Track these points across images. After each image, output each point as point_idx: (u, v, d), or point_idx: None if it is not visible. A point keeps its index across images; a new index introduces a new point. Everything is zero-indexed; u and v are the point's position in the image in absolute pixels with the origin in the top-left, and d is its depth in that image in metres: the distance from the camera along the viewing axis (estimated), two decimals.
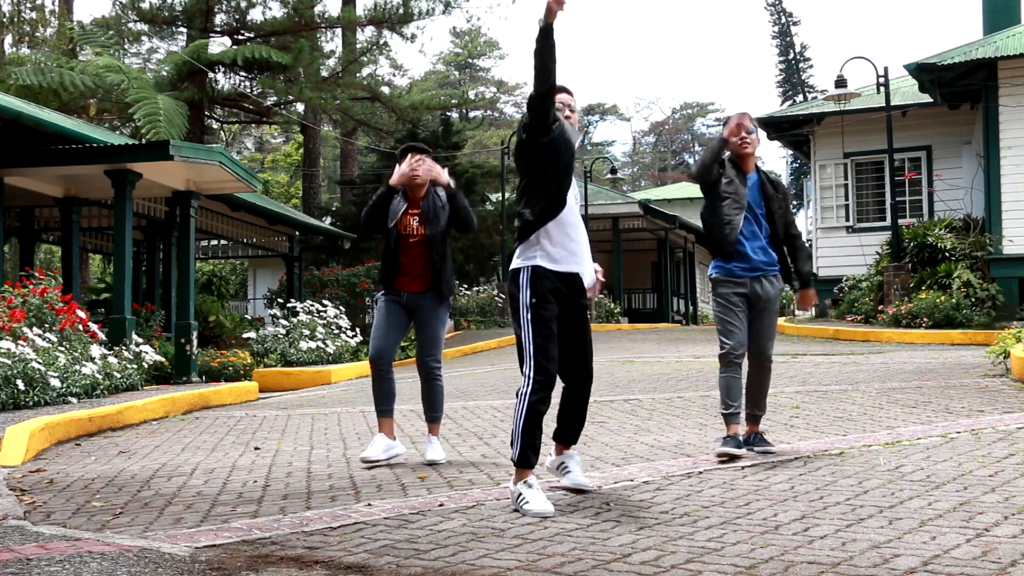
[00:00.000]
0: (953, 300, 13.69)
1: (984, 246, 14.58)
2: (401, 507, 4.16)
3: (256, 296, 29.87)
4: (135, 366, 10.61)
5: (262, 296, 26.35)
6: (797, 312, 28.79)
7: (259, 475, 5.20)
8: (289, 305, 16.14)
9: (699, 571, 2.98)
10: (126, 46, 30.21)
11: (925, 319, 13.72)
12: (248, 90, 26.70)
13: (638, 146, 76.75)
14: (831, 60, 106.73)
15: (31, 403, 8.21)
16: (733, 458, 5.03)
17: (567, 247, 4.29)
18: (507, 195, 23.10)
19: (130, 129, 24.46)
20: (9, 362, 8.17)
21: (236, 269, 33.26)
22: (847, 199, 18.81)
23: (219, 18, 26.78)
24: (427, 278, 5.67)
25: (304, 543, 3.54)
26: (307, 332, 14.56)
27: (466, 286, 25.07)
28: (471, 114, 50.92)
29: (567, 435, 4.47)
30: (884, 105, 15.89)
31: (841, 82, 15.97)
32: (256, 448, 6.34)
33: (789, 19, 61.36)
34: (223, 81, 26.35)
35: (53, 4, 26.89)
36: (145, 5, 25.53)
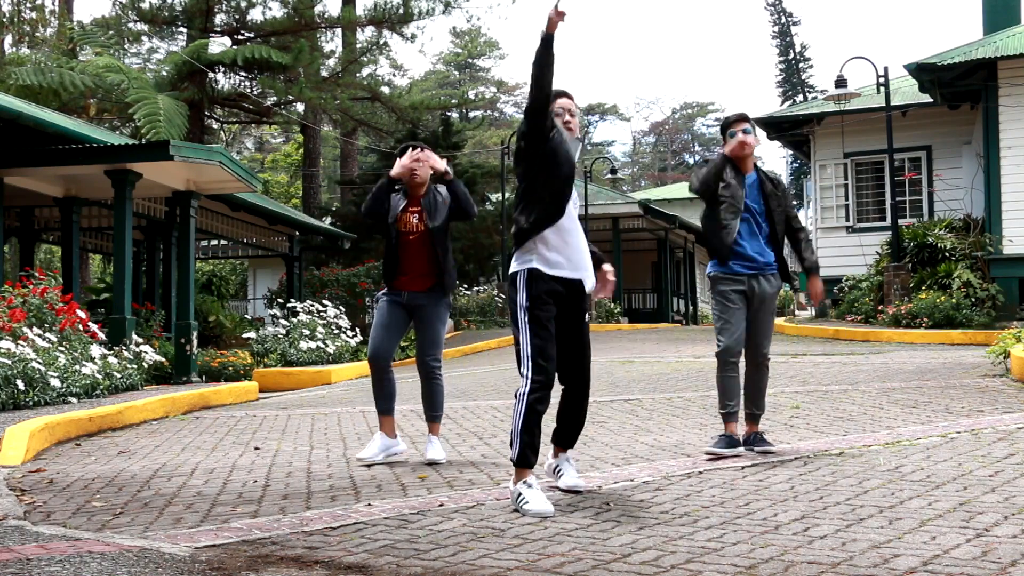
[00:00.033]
0: (953, 300, 13.69)
1: (984, 246, 14.58)
2: (401, 507, 4.16)
3: (256, 296, 29.88)
4: (135, 366, 10.61)
5: (262, 296, 26.36)
6: (798, 313, 28.82)
7: (259, 475, 5.20)
8: (289, 305, 16.14)
9: (699, 571, 2.98)
10: (126, 46, 30.21)
11: (925, 319, 13.72)
12: (248, 90, 26.71)
13: (638, 146, 76.77)
14: (831, 60, 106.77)
15: (31, 403, 8.21)
16: (720, 457, 5.07)
17: (564, 253, 4.29)
18: (507, 195, 23.09)
19: (130, 129, 24.46)
20: (9, 362, 8.17)
21: (236, 269, 33.26)
22: (847, 199, 18.82)
23: (219, 18, 26.78)
24: (428, 276, 5.67)
25: (304, 543, 3.54)
26: (307, 332, 14.56)
27: (466, 286, 25.07)
28: (471, 114, 50.92)
29: (565, 438, 4.49)
30: (884, 105, 15.89)
31: (841, 82, 15.98)
32: (256, 448, 6.34)
33: (789, 19, 61.39)
34: (223, 81, 26.37)
35: (53, 4, 26.90)
36: (145, 5, 25.53)
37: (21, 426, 6.60)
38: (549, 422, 4.52)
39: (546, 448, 4.63)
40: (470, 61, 67.17)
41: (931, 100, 16.80)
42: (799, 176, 49.33)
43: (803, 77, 60.36)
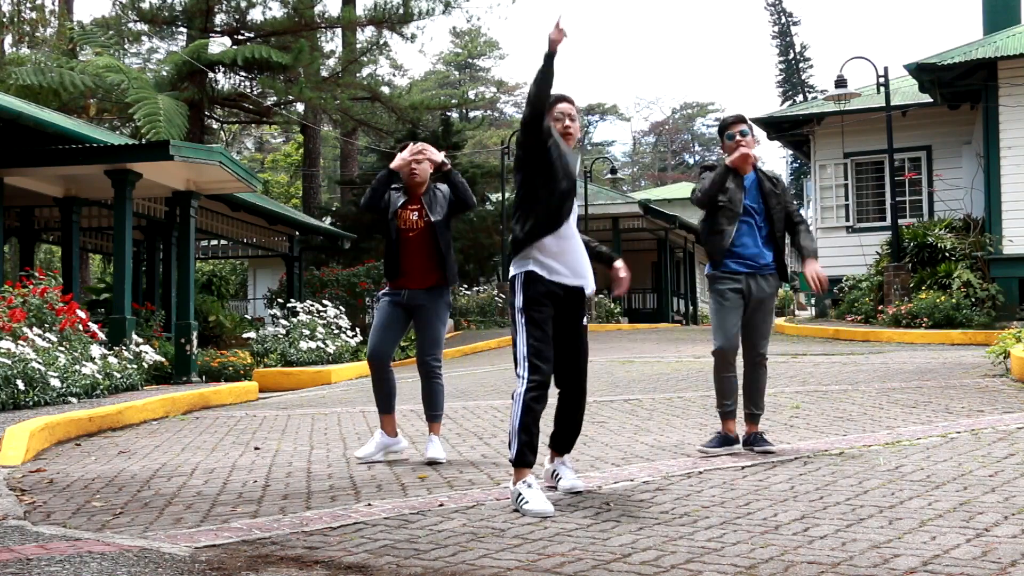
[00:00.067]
0: (953, 300, 13.69)
1: (984, 246, 14.58)
2: (401, 507, 4.16)
3: (256, 296, 29.88)
4: (135, 366, 10.61)
5: (262, 296, 26.36)
6: (798, 313, 28.82)
7: (259, 475, 5.20)
8: (289, 305, 16.13)
9: (699, 571, 2.98)
10: (126, 46, 30.21)
11: (925, 319, 13.72)
12: (248, 90, 26.70)
13: (638, 146, 76.78)
14: (831, 60, 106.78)
15: (31, 403, 8.21)
16: (709, 456, 5.18)
17: (562, 260, 4.31)
18: (507, 195, 23.09)
19: (130, 129, 24.46)
20: (9, 362, 8.17)
21: (236, 269, 33.26)
22: (847, 199, 18.82)
23: (219, 18, 26.78)
24: (428, 274, 5.68)
25: (304, 543, 3.54)
26: (307, 332, 14.56)
27: (466, 286, 25.07)
28: (471, 114, 50.93)
29: (561, 443, 4.50)
30: (884, 105, 15.89)
31: (841, 82, 15.98)
32: (256, 448, 6.34)
33: (789, 19, 61.41)
34: (223, 81, 26.37)
35: (53, 4, 26.90)
36: (145, 5, 25.53)
37: (21, 426, 6.60)
38: (547, 426, 4.54)
39: (544, 453, 4.63)
40: (470, 61, 67.16)
41: (931, 100, 16.80)
42: (799, 176, 49.33)
43: (803, 77, 60.38)
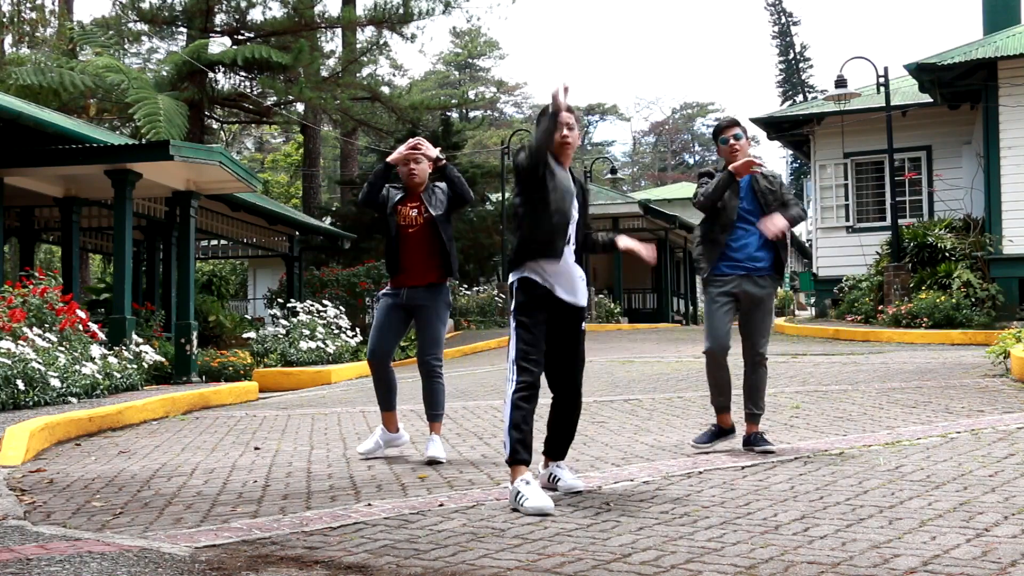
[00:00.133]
0: (953, 300, 13.69)
1: (984, 246, 14.58)
2: (401, 507, 4.16)
3: (256, 296, 29.88)
4: (135, 366, 10.61)
5: (262, 296, 26.36)
6: (798, 313, 28.83)
7: (259, 475, 5.20)
8: (289, 305, 16.13)
9: (699, 571, 2.98)
10: (126, 46, 30.20)
11: (925, 319, 13.72)
12: (248, 90, 26.70)
13: (638, 146, 76.79)
14: (831, 60, 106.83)
15: (31, 403, 8.21)
16: (701, 451, 5.37)
17: (557, 280, 4.36)
18: (507, 195, 23.09)
19: (130, 129, 24.46)
20: (9, 362, 8.17)
21: (236, 269, 33.26)
22: (847, 199, 18.81)
23: (219, 18, 26.78)
24: (428, 272, 5.69)
25: (304, 543, 3.54)
26: (307, 332, 14.56)
27: (466, 286, 25.06)
28: (471, 114, 50.94)
29: (555, 449, 4.51)
30: (884, 105, 15.89)
31: (841, 82, 15.98)
32: (256, 448, 6.34)
33: (789, 19, 61.46)
34: (223, 81, 26.37)
35: (53, 4, 26.89)
36: (145, 5, 25.53)
37: (21, 426, 6.60)
38: (541, 432, 4.54)
39: (538, 460, 4.64)
40: (470, 61, 67.17)
41: (931, 100, 16.80)
42: (799, 176, 49.34)
43: (803, 77, 60.41)
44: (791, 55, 60.75)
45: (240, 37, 26.63)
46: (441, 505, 4.17)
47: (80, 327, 10.16)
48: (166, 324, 14.29)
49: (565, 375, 4.44)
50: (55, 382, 8.47)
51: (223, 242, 21.79)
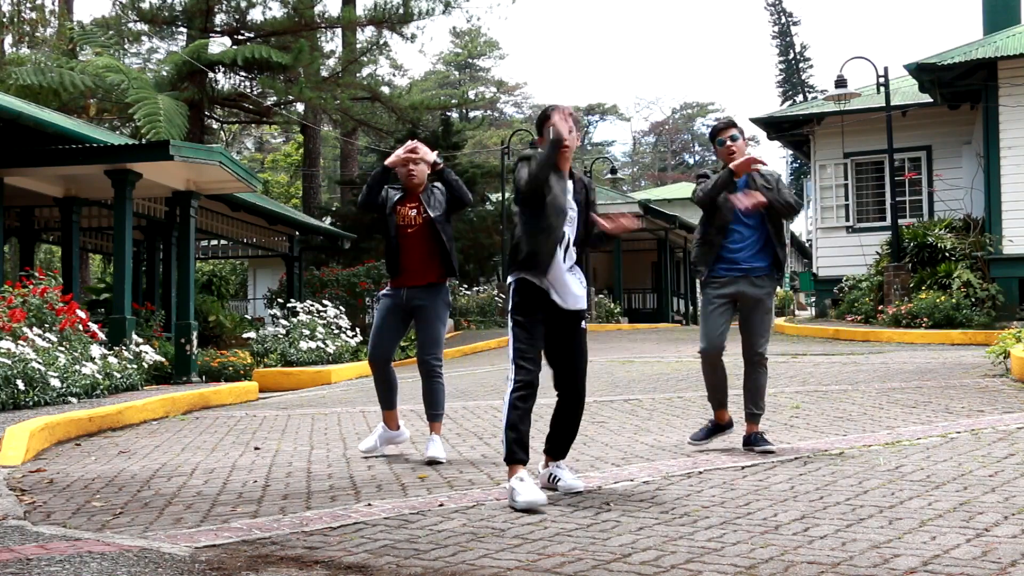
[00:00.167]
0: (953, 300, 13.69)
1: (984, 246, 14.58)
2: (401, 507, 4.16)
3: (256, 296, 29.88)
4: (135, 366, 10.61)
5: (262, 296, 26.36)
6: (798, 313, 28.84)
7: (259, 475, 5.20)
8: (289, 305, 16.13)
9: (699, 571, 2.99)
10: (126, 46, 30.19)
11: (925, 319, 13.72)
12: (248, 90, 26.70)
13: (638, 146, 76.78)
14: (831, 60, 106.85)
15: (31, 403, 8.21)
16: (698, 446, 5.51)
17: (555, 287, 4.39)
18: (507, 195, 23.09)
19: (130, 129, 24.46)
20: (9, 362, 8.17)
21: (236, 269, 33.26)
22: (847, 199, 18.81)
23: (219, 18, 26.78)
24: (427, 271, 5.70)
25: (304, 543, 3.54)
26: (307, 332, 14.55)
27: (466, 286, 25.06)
28: (471, 114, 50.94)
29: (556, 448, 4.52)
30: (884, 105, 15.89)
31: (841, 82, 15.97)
32: (256, 448, 6.34)
33: (789, 19, 61.48)
34: (223, 81, 26.36)
35: (53, 4, 26.89)
36: (145, 5, 25.53)
37: (21, 426, 6.60)
38: (541, 431, 4.55)
39: (539, 458, 4.64)
40: (470, 61, 67.17)
41: (931, 100, 16.80)
42: (799, 176, 49.34)
43: (803, 77, 60.42)
44: (791, 55, 60.76)
45: (240, 37, 26.63)
46: (441, 505, 4.17)
47: (80, 327, 10.16)
48: (166, 324, 14.29)
49: (567, 375, 4.46)
50: (55, 382, 8.47)
51: (223, 242, 21.79)
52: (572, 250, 4.49)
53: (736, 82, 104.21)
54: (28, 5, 25.61)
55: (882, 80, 15.69)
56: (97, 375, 9.30)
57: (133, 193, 12.20)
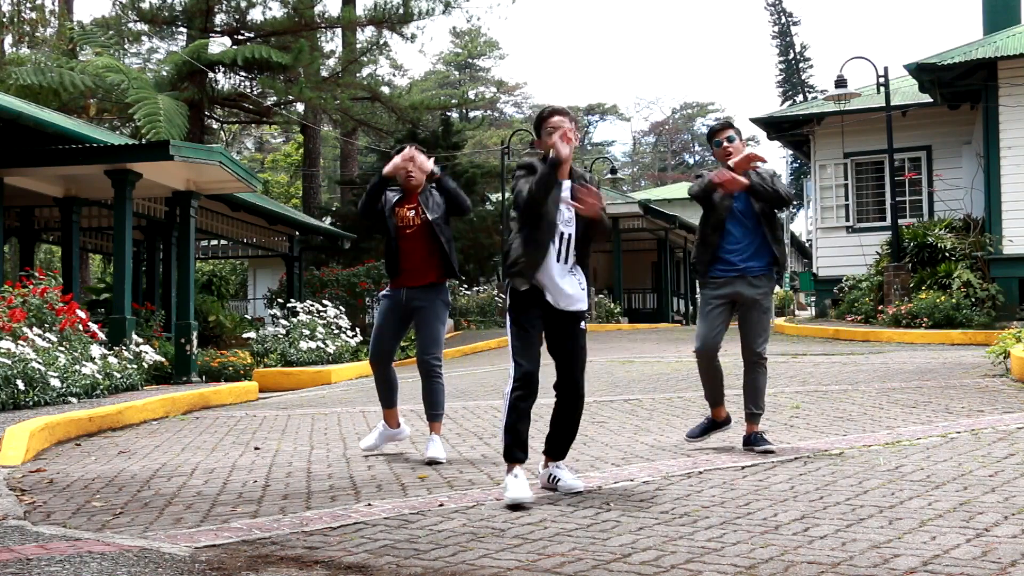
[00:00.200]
0: (953, 300, 13.69)
1: (984, 246, 14.58)
2: (401, 507, 4.16)
3: (256, 296, 29.87)
4: (135, 366, 10.61)
5: (262, 296, 26.35)
6: (798, 313, 28.85)
7: (259, 475, 5.20)
8: (289, 305, 16.13)
9: (699, 571, 2.99)
10: (126, 46, 30.19)
11: (925, 319, 13.72)
12: (248, 90, 26.70)
13: (638, 146, 76.78)
14: (831, 60, 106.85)
15: (31, 403, 8.21)
16: (695, 441, 5.61)
17: (550, 287, 4.43)
18: (507, 195, 23.09)
19: (130, 129, 24.46)
20: (9, 362, 8.16)
21: (236, 269, 33.26)
22: (847, 199, 18.81)
23: (219, 18, 26.77)
24: (426, 272, 5.71)
25: (304, 543, 3.54)
26: (307, 332, 14.55)
27: (466, 286, 25.05)
28: (471, 114, 50.94)
29: (555, 449, 4.54)
30: (884, 105, 15.89)
31: (841, 82, 15.97)
32: (256, 448, 6.34)
33: (789, 19, 61.47)
34: (223, 81, 26.36)
35: (53, 4, 26.88)
36: (145, 5, 25.53)
37: (21, 426, 6.60)
38: (540, 432, 4.55)
39: (538, 458, 4.65)
40: (470, 61, 67.16)
41: (931, 100, 16.80)
42: (799, 176, 49.36)
43: (803, 77, 60.41)
44: (791, 55, 60.76)
45: (240, 37, 26.62)
46: (441, 505, 4.17)
47: (80, 327, 10.16)
48: (166, 324, 14.29)
49: (565, 375, 4.48)
50: (55, 382, 8.47)
51: (223, 242, 21.79)
52: (573, 250, 4.49)
53: (736, 82, 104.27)
54: (28, 5, 25.60)
55: (882, 80, 15.68)
56: (97, 375, 9.30)
57: (133, 193, 12.20)
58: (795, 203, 48.92)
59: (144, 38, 30.94)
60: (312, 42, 26.05)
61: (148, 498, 4.59)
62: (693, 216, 29.80)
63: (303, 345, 14.02)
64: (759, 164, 5.42)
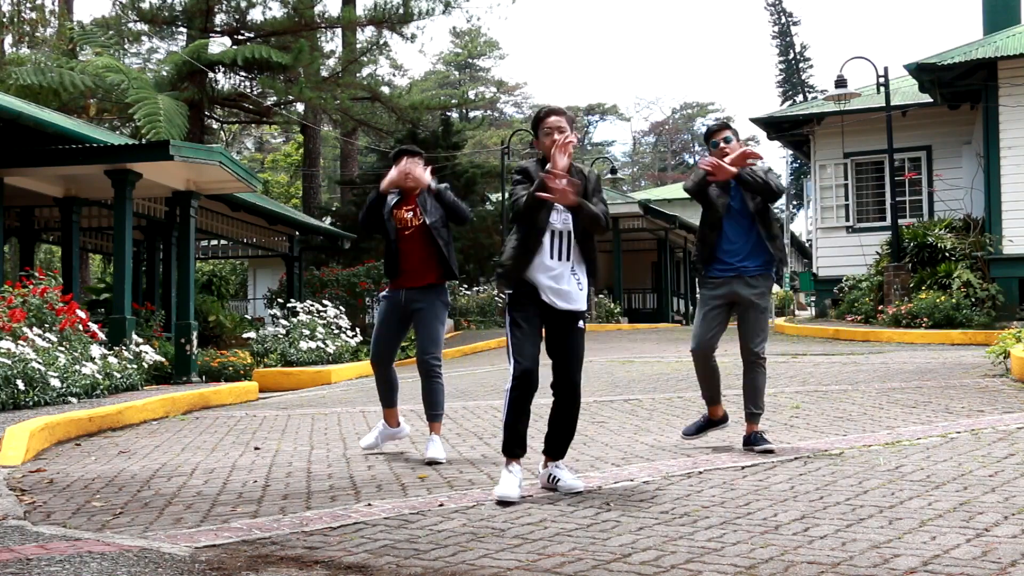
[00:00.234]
0: (953, 300, 13.69)
1: (984, 246, 14.58)
2: (401, 507, 4.16)
3: (256, 296, 29.88)
4: (135, 366, 10.61)
5: (262, 296, 26.36)
6: (798, 313, 28.83)
7: (259, 475, 5.20)
8: (289, 305, 16.13)
9: (699, 571, 2.99)
10: (126, 46, 30.20)
11: (925, 319, 13.72)
12: (248, 90, 26.70)
13: (638, 146, 76.78)
14: (831, 60, 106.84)
15: (31, 403, 8.21)
16: (691, 438, 5.66)
17: (544, 283, 4.45)
18: (507, 195, 23.08)
19: (130, 129, 24.46)
20: (9, 362, 8.17)
21: (236, 269, 33.26)
22: (847, 199, 18.81)
23: (219, 18, 26.78)
24: (426, 272, 5.73)
25: (304, 543, 3.54)
26: (307, 332, 14.56)
27: (466, 286, 25.05)
28: (471, 114, 50.94)
29: (554, 449, 4.55)
30: (884, 105, 15.89)
31: (841, 82, 15.97)
32: (256, 448, 6.34)
33: (789, 19, 61.46)
34: (223, 81, 26.37)
35: (53, 4, 26.88)
36: (145, 5, 25.54)
37: (21, 426, 6.60)
38: (544, 430, 4.56)
39: (538, 458, 4.66)
40: (470, 61, 67.16)
41: (931, 100, 16.80)
42: (799, 176, 49.35)
43: (803, 77, 60.41)
44: (791, 55, 60.76)
45: (240, 37, 26.63)
46: (441, 505, 4.17)
47: (80, 327, 10.16)
48: (166, 324, 14.29)
49: (562, 374, 4.50)
50: (55, 382, 8.47)
51: (223, 242, 21.79)
52: (573, 247, 4.49)
53: (736, 82, 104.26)
54: (28, 5, 25.60)
55: (882, 80, 15.68)
56: (97, 375, 9.30)
57: (133, 193, 12.20)
58: (795, 203, 48.93)
59: (144, 38, 30.96)
60: (312, 42, 26.06)
61: (148, 498, 4.59)
62: (693, 216, 29.80)
63: (303, 345, 14.02)
64: (754, 161, 5.43)
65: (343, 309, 16.87)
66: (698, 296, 5.71)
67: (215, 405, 9.76)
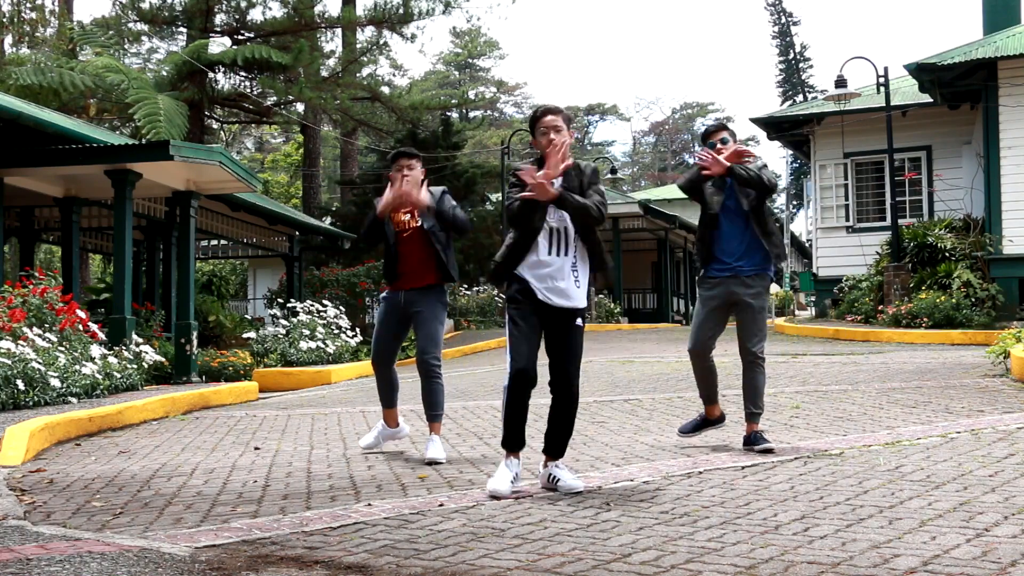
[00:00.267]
0: (953, 300, 13.69)
1: (984, 246, 14.59)
2: (401, 507, 4.16)
3: (256, 296, 29.87)
4: (135, 366, 10.61)
5: (262, 296, 26.35)
6: (798, 313, 28.82)
7: (259, 475, 5.20)
8: (289, 305, 16.13)
9: (699, 571, 2.98)
10: (126, 46, 30.20)
11: (925, 319, 13.72)
12: (248, 90, 26.70)
13: (638, 146, 76.77)
14: (831, 60, 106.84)
15: (31, 403, 8.21)
16: (687, 436, 5.73)
17: (543, 283, 4.47)
18: (506, 195, 23.07)
19: (130, 129, 24.46)
20: (9, 362, 8.16)
21: (236, 269, 33.26)
22: (847, 199, 18.82)
23: (219, 18, 26.78)
24: (425, 274, 5.73)
25: (304, 543, 3.54)
26: (307, 332, 14.56)
27: (466, 286, 25.05)
28: (471, 114, 50.94)
29: (552, 448, 4.56)
30: (884, 105, 15.89)
31: (841, 82, 15.98)
32: (256, 448, 6.34)
33: (789, 19, 61.46)
34: (223, 81, 26.37)
35: (53, 4, 26.87)
36: (145, 5, 25.53)
37: (21, 426, 6.60)
38: (544, 430, 4.57)
39: (538, 458, 4.66)
40: (470, 61, 67.14)
41: (931, 100, 16.80)
42: (799, 176, 49.36)
43: (803, 77, 60.41)
44: (791, 55, 60.76)
45: (240, 37, 26.63)
46: (441, 505, 4.17)
47: (80, 327, 10.16)
48: (166, 324, 14.29)
49: (558, 372, 4.52)
50: (55, 382, 8.47)
51: (223, 242, 21.79)
52: (574, 242, 4.50)
53: (736, 82, 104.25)
54: (28, 5, 25.59)
55: (882, 80, 15.69)
56: (97, 375, 9.30)
57: (133, 193, 12.20)
58: (795, 203, 48.93)
59: (144, 38, 30.96)
60: (312, 42, 26.06)
61: (148, 498, 4.59)
62: (693, 216, 29.71)
63: (303, 345, 14.02)
64: (749, 159, 5.44)
65: (343, 309, 16.87)
66: (696, 296, 5.75)
67: (215, 405, 9.76)
